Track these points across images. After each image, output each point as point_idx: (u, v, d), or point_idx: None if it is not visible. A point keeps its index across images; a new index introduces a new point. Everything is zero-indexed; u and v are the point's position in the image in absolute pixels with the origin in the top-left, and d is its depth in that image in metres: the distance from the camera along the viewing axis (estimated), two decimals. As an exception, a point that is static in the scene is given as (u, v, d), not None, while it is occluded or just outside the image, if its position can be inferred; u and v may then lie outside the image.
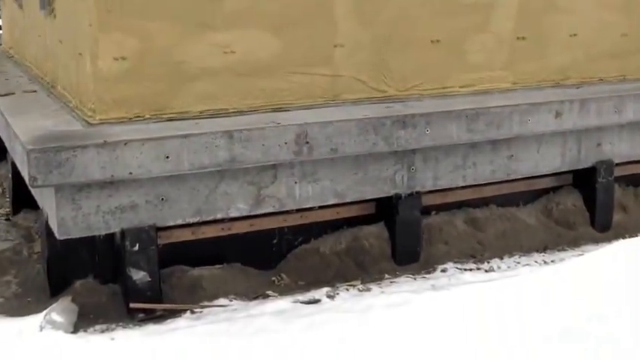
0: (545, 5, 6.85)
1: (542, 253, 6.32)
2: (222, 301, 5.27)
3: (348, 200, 5.75)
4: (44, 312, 4.86)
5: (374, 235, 5.91)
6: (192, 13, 5.43)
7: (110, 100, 5.31)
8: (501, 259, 6.17)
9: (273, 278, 5.65)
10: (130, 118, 5.36)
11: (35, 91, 6.89)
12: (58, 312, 4.89)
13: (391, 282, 5.71)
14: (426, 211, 6.12)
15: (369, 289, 5.55)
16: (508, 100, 6.26)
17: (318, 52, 5.85)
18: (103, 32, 5.24)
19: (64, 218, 4.91)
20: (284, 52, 5.74)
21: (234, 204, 5.33)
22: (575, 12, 7.04)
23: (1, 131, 6.26)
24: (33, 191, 5.77)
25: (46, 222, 5.26)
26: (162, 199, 5.11)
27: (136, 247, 5.06)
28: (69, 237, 4.98)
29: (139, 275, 5.08)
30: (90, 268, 5.30)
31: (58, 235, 4.96)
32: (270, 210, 5.47)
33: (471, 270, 5.93)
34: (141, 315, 5.06)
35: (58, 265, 5.29)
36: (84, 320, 5.03)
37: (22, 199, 6.58)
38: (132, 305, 5.05)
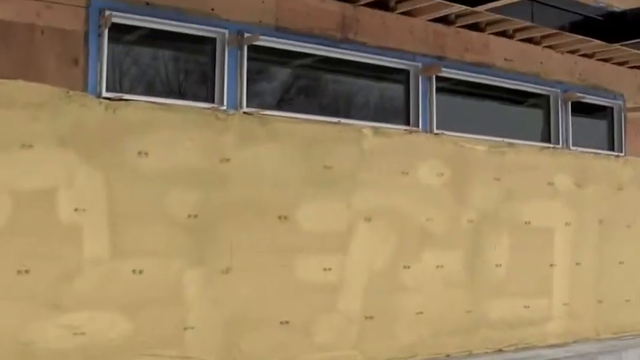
0: (392, 285, 8.10)
1: None
2: None
3: None
4: None
5: None
6: (41, 293, 6.17)
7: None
8: None
9: None
10: (-28, 399, 5.95)
11: None
12: None
13: None
14: None
15: None
16: (357, 379, 7.28)
17: (168, 335, 6.68)
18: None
19: None
20: (134, 333, 6.51)
21: None
22: (421, 290, 8.30)
23: None
24: None
25: None
26: None
27: None
28: None
29: None
30: None
31: None
32: None
33: None
34: None
35: None
36: None
37: None
38: None
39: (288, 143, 7.48)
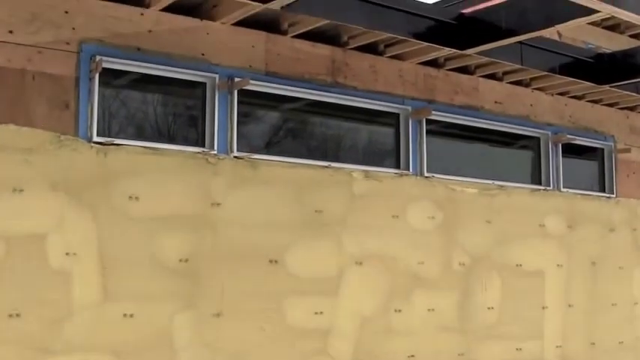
0: (383, 328, 8.23)
1: None
2: None
3: None
4: None
5: None
6: (32, 337, 6.28)
7: None
8: None
9: None
10: None
11: None
12: None
13: None
14: None
15: None
16: None
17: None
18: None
19: None
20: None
21: None
22: (413, 334, 8.44)
23: None
24: None
25: None
26: None
27: None
28: None
29: None
30: None
31: None
32: None
33: None
34: None
35: None
36: None
37: None
38: None
39: (279, 187, 7.67)
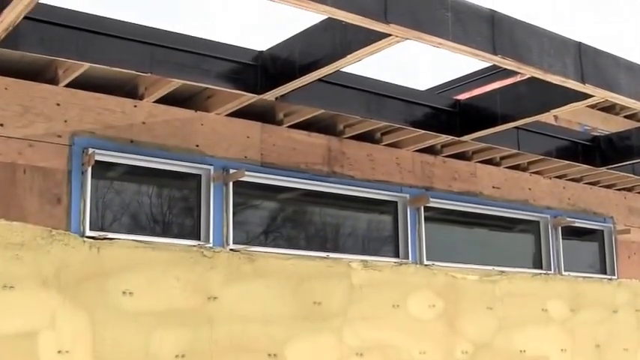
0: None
1: None
2: None
3: None
4: None
5: None
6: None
7: None
8: None
9: None
10: None
11: None
12: None
13: None
14: None
15: None
16: None
17: None
18: None
19: None
20: None
21: None
22: None
23: None
24: None
25: None
26: None
27: None
28: None
29: None
30: None
31: None
32: None
33: None
34: None
35: None
36: None
37: None
38: None
39: (277, 279, 7.46)
